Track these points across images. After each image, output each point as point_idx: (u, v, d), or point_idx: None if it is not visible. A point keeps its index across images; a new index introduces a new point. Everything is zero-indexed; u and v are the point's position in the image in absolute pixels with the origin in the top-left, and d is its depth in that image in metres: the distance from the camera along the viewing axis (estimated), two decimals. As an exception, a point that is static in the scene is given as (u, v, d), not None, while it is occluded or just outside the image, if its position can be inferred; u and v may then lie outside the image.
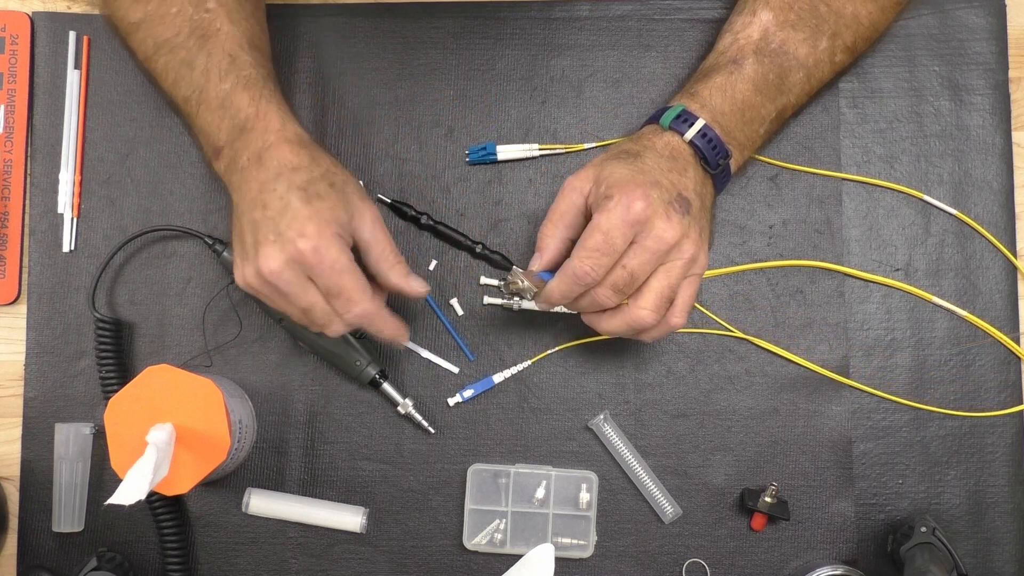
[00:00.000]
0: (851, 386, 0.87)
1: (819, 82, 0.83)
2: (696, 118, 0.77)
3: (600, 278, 0.74)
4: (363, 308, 0.75)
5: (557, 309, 0.85)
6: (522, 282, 0.78)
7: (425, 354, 0.87)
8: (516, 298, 0.79)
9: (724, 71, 0.80)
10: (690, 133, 0.77)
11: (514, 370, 0.87)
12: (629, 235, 0.73)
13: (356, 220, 0.75)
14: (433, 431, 0.87)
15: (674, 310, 0.76)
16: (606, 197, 0.74)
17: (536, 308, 0.79)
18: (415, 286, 0.78)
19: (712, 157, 0.77)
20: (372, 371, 0.85)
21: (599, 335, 0.82)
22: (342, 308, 0.74)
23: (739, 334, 0.87)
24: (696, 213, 0.75)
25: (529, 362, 0.87)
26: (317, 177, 0.74)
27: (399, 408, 0.86)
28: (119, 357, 0.86)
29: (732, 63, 0.80)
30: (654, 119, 0.79)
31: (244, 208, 0.75)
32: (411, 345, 0.87)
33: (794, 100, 0.83)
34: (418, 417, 0.86)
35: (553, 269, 0.77)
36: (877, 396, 0.87)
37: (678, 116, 0.77)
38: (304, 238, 0.72)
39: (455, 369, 0.87)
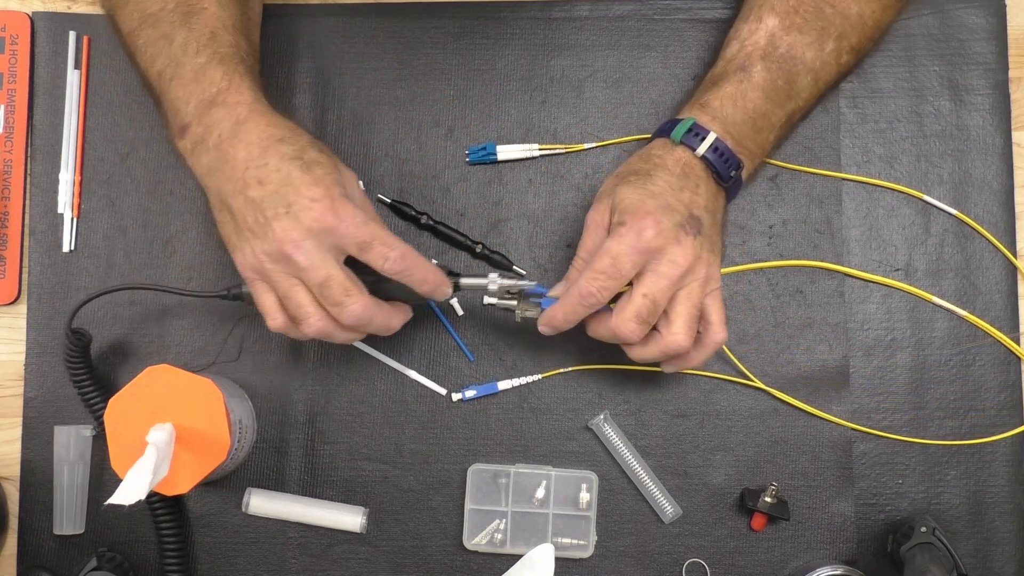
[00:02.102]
0: (859, 431, 0.87)
1: (826, 85, 0.83)
2: (707, 131, 0.77)
3: (604, 301, 0.74)
4: (400, 251, 0.72)
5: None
6: (526, 311, 0.79)
7: (414, 376, 0.87)
8: (525, 313, 0.80)
9: (733, 79, 0.79)
10: (702, 148, 0.76)
11: (522, 380, 0.87)
12: (638, 262, 0.73)
13: (347, 186, 0.74)
14: (530, 278, 0.84)
15: (713, 327, 0.76)
16: (619, 224, 0.74)
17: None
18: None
19: (724, 170, 0.77)
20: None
21: (611, 363, 0.83)
22: (380, 255, 0.72)
23: (758, 383, 0.87)
24: (707, 231, 0.75)
25: (539, 376, 0.87)
26: (306, 145, 0.73)
27: (489, 285, 0.79)
28: (90, 370, 0.85)
29: (740, 70, 0.79)
30: (664, 132, 0.79)
31: (231, 189, 0.72)
32: (397, 366, 0.87)
33: (802, 104, 0.82)
34: (512, 282, 0.79)
35: None
36: (880, 436, 0.87)
37: (689, 130, 0.77)
38: (318, 202, 0.70)
39: (442, 391, 0.87)
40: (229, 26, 0.77)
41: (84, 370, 0.84)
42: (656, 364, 0.80)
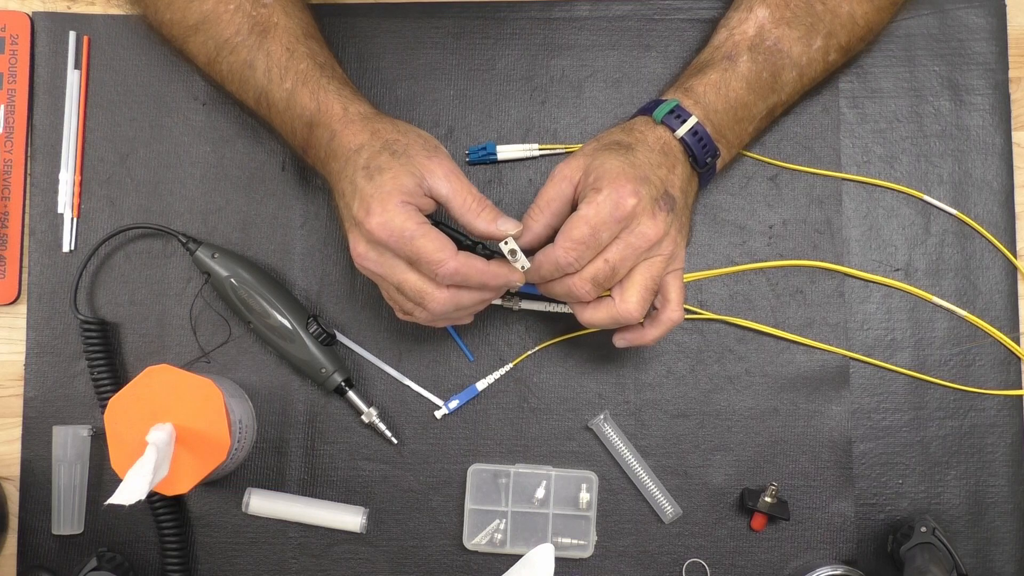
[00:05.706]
0: (853, 358, 0.87)
1: (811, 81, 0.84)
2: (689, 115, 0.77)
3: (581, 268, 0.75)
4: (449, 266, 0.73)
5: (557, 309, 0.86)
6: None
7: (415, 387, 0.87)
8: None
9: (719, 67, 0.80)
10: (682, 130, 0.77)
11: (496, 376, 0.87)
12: (616, 230, 0.73)
13: (428, 180, 0.74)
14: (396, 442, 0.86)
15: (671, 305, 0.77)
16: (595, 189, 0.74)
17: (536, 309, 0.79)
18: (505, 227, 0.74)
19: (701, 155, 0.78)
20: (338, 378, 0.85)
21: (588, 329, 0.83)
22: (430, 273, 0.73)
23: (739, 321, 0.87)
24: (679, 211, 0.76)
25: (510, 365, 0.87)
26: (377, 150, 0.75)
27: (363, 417, 0.86)
28: (110, 357, 0.86)
29: (727, 59, 0.80)
30: (647, 110, 0.80)
31: (336, 200, 0.78)
32: (395, 374, 0.87)
33: (785, 99, 0.83)
34: (381, 427, 0.86)
35: (531, 251, 0.77)
36: (878, 366, 0.87)
37: (671, 111, 0.78)
38: (370, 216, 0.73)
39: (439, 401, 0.87)
40: (301, 36, 0.80)
41: (100, 343, 0.86)
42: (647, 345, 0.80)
